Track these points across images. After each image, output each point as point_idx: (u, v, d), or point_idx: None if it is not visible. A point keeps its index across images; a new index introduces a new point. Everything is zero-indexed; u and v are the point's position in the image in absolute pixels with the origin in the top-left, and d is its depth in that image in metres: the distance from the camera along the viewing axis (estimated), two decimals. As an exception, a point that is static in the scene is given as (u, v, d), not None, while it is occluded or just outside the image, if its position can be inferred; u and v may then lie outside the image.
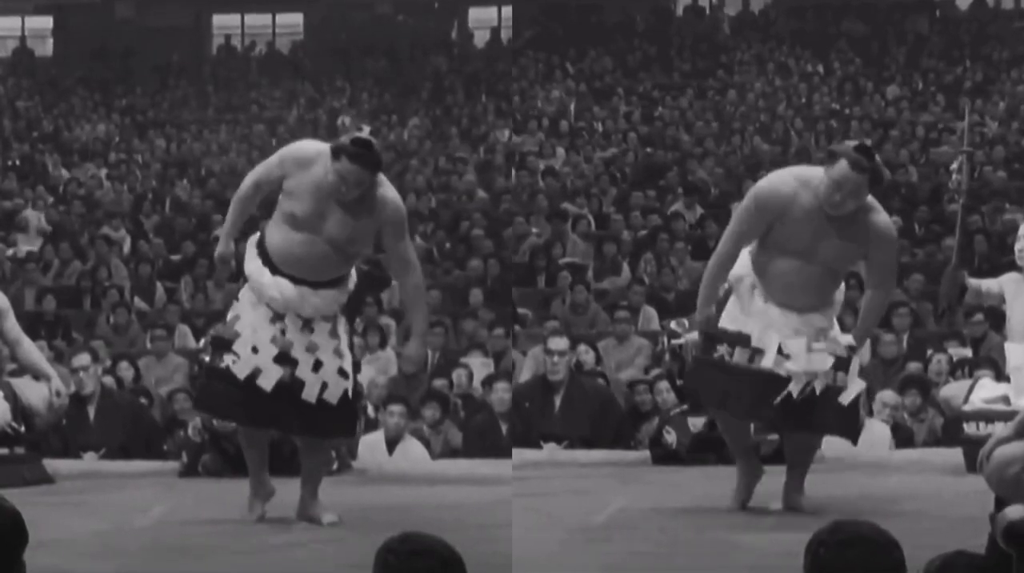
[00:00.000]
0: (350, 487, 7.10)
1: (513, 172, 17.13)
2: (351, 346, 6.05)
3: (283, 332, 5.87)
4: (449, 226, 14.98)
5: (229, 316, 5.97)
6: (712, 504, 6.36)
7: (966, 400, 7.84)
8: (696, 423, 8.05)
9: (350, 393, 5.95)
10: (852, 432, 6.59)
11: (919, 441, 8.72)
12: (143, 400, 9.38)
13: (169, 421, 9.03)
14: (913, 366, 9.92)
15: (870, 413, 8.56)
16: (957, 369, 9.39)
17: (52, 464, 7.46)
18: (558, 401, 8.76)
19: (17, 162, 18.28)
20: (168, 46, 22.15)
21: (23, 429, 7.32)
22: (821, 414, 6.03)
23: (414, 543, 3.02)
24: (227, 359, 5.85)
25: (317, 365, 5.87)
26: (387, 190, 5.87)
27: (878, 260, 6.00)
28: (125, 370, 10.32)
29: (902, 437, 8.64)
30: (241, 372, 5.82)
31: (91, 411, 8.43)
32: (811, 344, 5.98)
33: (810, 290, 5.99)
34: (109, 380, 9.48)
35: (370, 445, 8.47)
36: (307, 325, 5.90)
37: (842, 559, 2.95)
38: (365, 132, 5.90)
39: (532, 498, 6.58)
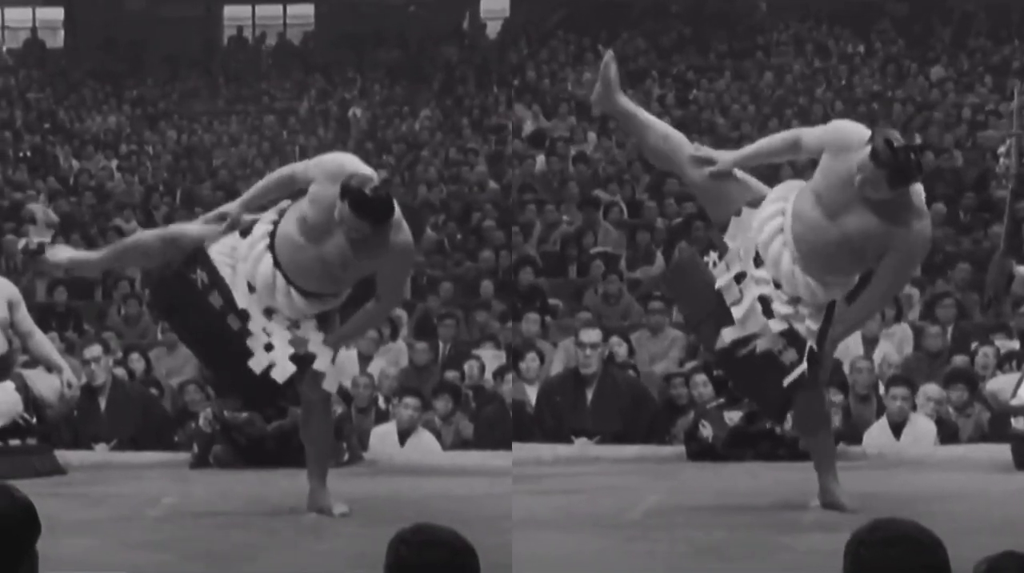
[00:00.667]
0: (362, 479, 7.10)
1: (543, 158, 16.64)
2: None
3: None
4: (460, 217, 14.96)
5: (212, 246, 5.90)
6: (750, 502, 6.17)
7: (1014, 394, 7.60)
8: (733, 417, 7.87)
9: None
10: (774, 410, 6.30)
11: (965, 437, 8.48)
12: (154, 391, 9.40)
13: (180, 412, 9.04)
14: (959, 359, 9.66)
15: (913, 407, 8.41)
16: (1004, 362, 9.21)
17: (63, 455, 7.48)
18: (590, 395, 8.59)
19: (28, 153, 18.31)
20: (179, 37, 22.16)
21: (35, 420, 7.34)
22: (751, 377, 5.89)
23: (426, 534, 3.02)
24: (201, 275, 5.83)
25: (268, 348, 5.87)
26: (398, 235, 5.70)
27: (894, 260, 5.71)
28: (136, 361, 10.34)
29: (947, 433, 8.41)
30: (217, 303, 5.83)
31: (102, 402, 8.44)
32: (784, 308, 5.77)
33: (825, 256, 5.70)
34: (120, 371, 9.49)
35: (381, 436, 8.48)
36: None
37: (884, 559, 2.85)
38: (375, 180, 5.63)
39: (562, 496, 6.41)
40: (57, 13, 23.32)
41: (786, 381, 5.77)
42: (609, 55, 6.35)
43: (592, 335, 8.67)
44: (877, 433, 8.34)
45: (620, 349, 9.71)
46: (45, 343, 7.68)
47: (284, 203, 5.96)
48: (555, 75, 19.51)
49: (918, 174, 5.61)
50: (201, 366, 8.94)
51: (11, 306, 7.43)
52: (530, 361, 9.52)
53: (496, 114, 18.77)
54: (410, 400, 8.51)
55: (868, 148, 5.51)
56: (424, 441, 8.48)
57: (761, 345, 5.78)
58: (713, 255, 5.93)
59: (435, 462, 7.95)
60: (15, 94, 20.50)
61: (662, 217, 14.16)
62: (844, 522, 5.06)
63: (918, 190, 5.69)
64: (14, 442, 7.26)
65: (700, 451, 7.89)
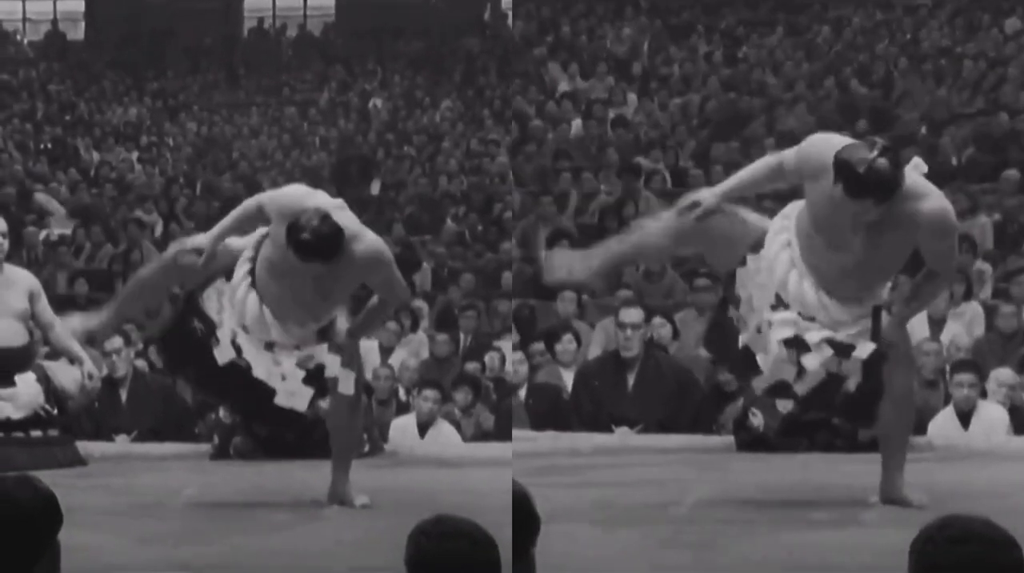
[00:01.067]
0: (382, 470, 7.12)
1: (579, 122, 15.45)
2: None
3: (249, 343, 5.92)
4: (481, 209, 14.94)
5: (205, 302, 5.96)
6: (804, 496, 5.79)
7: None
8: (786, 405, 7.19)
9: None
10: (859, 416, 5.89)
11: (1041, 425, 7.86)
12: (174, 383, 9.42)
13: (200, 404, 9.05)
14: (1034, 341, 9.03)
15: (983, 394, 7.94)
16: (1086, 344, 8.60)
17: (85, 446, 7.51)
18: (631, 380, 8.12)
19: (49, 145, 18.36)
20: (199, 29, 22.19)
21: (56, 411, 7.37)
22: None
23: (446, 526, 3.03)
24: (197, 326, 5.89)
25: (283, 378, 5.93)
26: (360, 246, 5.66)
27: (931, 249, 5.36)
28: (157, 353, 10.37)
29: (1022, 421, 7.87)
30: (222, 358, 5.87)
31: (123, 394, 8.48)
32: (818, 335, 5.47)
33: (847, 280, 5.42)
34: (141, 363, 9.51)
35: (402, 428, 8.49)
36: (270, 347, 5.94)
37: (953, 558, 2.68)
38: (319, 215, 5.57)
39: (601, 489, 6.02)
40: (78, 5, 23.36)
41: (851, 385, 5.51)
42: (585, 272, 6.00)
43: (633, 315, 8.20)
44: (943, 422, 7.88)
45: (663, 330, 9.12)
46: (66, 334, 7.71)
47: (259, 233, 5.94)
48: (592, 31, 18.15)
49: (897, 179, 5.17)
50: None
51: (32, 297, 7.47)
52: (566, 343, 9.06)
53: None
54: (429, 392, 8.52)
55: (838, 186, 5.15)
56: (444, 433, 8.49)
57: (802, 389, 5.55)
58: (734, 311, 5.66)
59: (455, 454, 7.96)
60: (36, 86, 20.55)
61: (709, 186, 13.34)
62: (909, 519, 4.66)
63: (911, 174, 5.31)
64: (36, 433, 7.29)
65: (750, 441, 7.46)
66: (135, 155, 18.20)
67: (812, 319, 5.49)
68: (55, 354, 7.80)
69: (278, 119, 19.51)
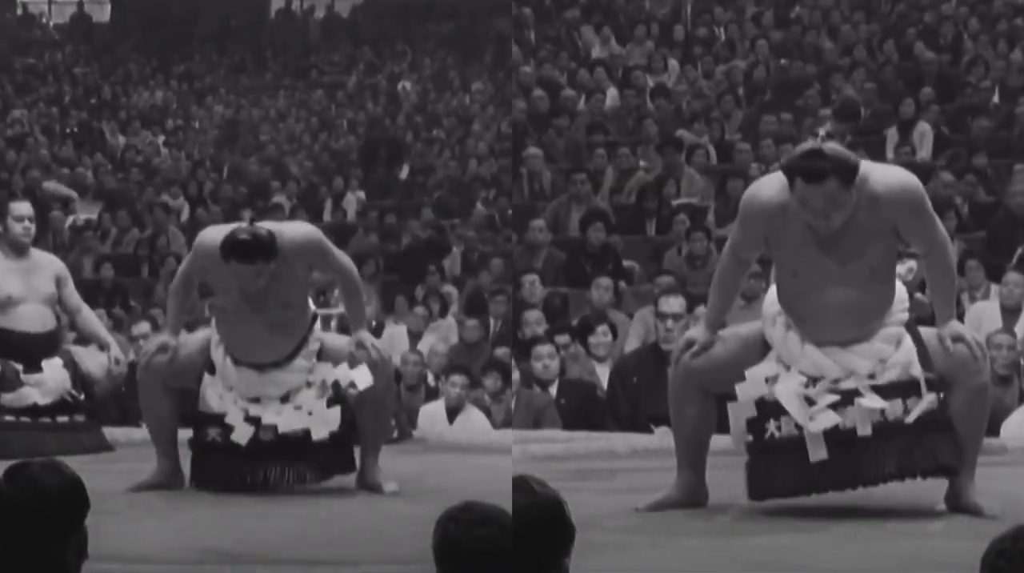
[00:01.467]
0: (410, 456, 7.12)
1: (615, 91, 14.59)
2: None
3: (264, 407, 6.00)
4: (511, 192, 14.89)
5: (205, 399, 6.05)
6: (864, 503, 5.31)
7: None
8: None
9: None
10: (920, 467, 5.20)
11: None
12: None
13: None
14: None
15: None
16: None
17: (111, 432, 7.53)
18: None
19: (75, 129, 18.45)
20: (226, 10, 22.24)
21: (82, 397, 7.41)
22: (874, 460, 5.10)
23: (475, 512, 3.03)
24: (212, 433, 6.00)
25: (308, 414, 5.97)
26: (284, 237, 5.78)
27: (908, 226, 5.04)
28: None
29: None
30: (241, 438, 5.95)
31: (150, 379, 8.50)
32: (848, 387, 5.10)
33: (849, 315, 5.08)
34: (168, 348, 9.54)
35: (430, 414, 8.51)
36: (284, 399, 6.00)
37: None
38: (246, 222, 5.86)
39: (641, 494, 5.50)
40: (104, -13, 23.44)
41: (911, 418, 5.08)
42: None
43: (674, 304, 7.82)
44: (1018, 423, 7.47)
45: None
46: (93, 319, 7.76)
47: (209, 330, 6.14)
48: None
49: (850, 156, 4.95)
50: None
51: (59, 282, 7.50)
52: (600, 335, 8.68)
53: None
54: (457, 377, 8.53)
55: (797, 183, 4.91)
56: (473, 419, 8.51)
57: (816, 454, 5.10)
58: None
59: (484, 440, 7.96)
60: (62, 69, 20.64)
61: (757, 162, 12.48)
62: (980, 529, 4.62)
63: (863, 174, 4.99)
64: (62, 419, 7.33)
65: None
66: (161, 139, 18.28)
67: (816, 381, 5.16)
68: (82, 339, 7.84)
69: (305, 102, 19.55)
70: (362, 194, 15.41)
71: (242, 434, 5.97)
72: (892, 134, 13.23)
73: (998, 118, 13.36)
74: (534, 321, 9.43)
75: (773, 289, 5.26)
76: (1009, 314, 9.03)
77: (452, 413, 8.50)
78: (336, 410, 5.96)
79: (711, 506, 5.39)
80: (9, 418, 7.21)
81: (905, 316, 5.18)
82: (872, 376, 5.10)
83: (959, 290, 9.26)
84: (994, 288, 9.59)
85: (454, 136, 17.52)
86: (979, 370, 5.15)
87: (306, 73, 20.84)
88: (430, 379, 9.26)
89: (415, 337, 10.52)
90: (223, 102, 19.82)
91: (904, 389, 5.09)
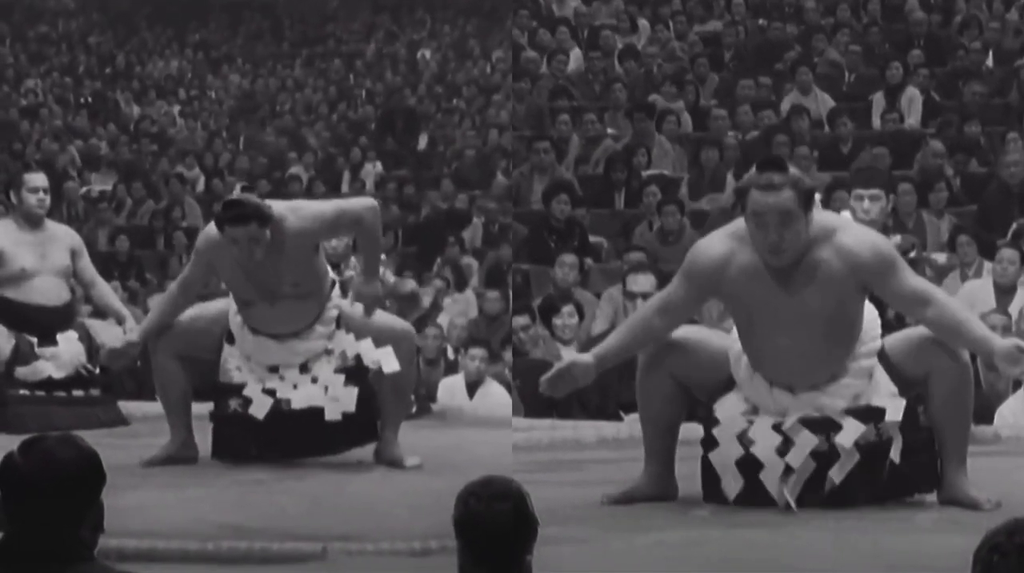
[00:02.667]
0: (429, 430, 7.14)
1: (582, 54, 13.95)
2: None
3: (283, 378, 6.03)
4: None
5: (226, 368, 6.10)
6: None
7: None
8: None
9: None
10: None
11: None
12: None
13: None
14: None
15: None
16: None
17: (127, 406, 7.56)
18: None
19: (89, 99, 18.47)
20: (242, -22, 22.21)
21: (98, 371, 7.43)
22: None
23: (496, 487, 3.05)
24: (232, 404, 6.03)
25: (325, 390, 6.00)
26: (286, 222, 5.84)
27: (890, 290, 4.92)
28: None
29: None
30: (259, 412, 5.98)
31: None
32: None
33: (808, 363, 4.95)
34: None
35: (450, 388, 8.52)
36: (304, 368, 6.03)
37: (1022, 567, 2.46)
38: (236, 191, 6.02)
39: (610, 486, 5.35)
40: (118, -46, 23.41)
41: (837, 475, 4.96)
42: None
43: (643, 282, 7.61)
44: (1012, 409, 7.21)
45: None
46: (108, 292, 7.78)
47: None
48: None
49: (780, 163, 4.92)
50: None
51: (74, 254, 7.52)
52: (566, 316, 8.37)
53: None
54: (476, 351, 8.52)
55: (751, 195, 4.83)
56: (493, 393, 8.51)
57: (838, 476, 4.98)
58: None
59: (504, 414, 7.97)
60: (76, 38, 20.65)
61: (734, 130, 11.98)
62: (972, 522, 4.57)
63: (830, 227, 4.93)
64: (77, 393, 7.36)
65: None
66: (176, 109, 18.28)
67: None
68: (97, 312, 7.87)
69: (323, 71, 19.53)
70: (380, 165, 15.41)
71: (260, 407, 5.99)
72: (878, 100, 12.59)
73: (992, 83, 12.82)
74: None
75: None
76: (1003, 293, 8.75)
77: (472, 387, 8.51)
78: (353, 390, 5.97)
79: (685, 499, 5.21)
80: (24, 392, 7.24)
81: (877, 345, 5.03)
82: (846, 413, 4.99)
83: (951, 267, 9.20)
84: (987, 265, 9.19)
85: (474, 106, 17.49)
86: (955, 352, 4.99)
87: (324, 42, 20.81)
88: (449, 352, 9.27)
89: (434, 310, 10.53)
90: (239, 71, 19.81)
91: (876, 414, 4.99)
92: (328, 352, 6.03)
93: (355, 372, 6.02)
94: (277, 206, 5.93)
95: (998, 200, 10.51)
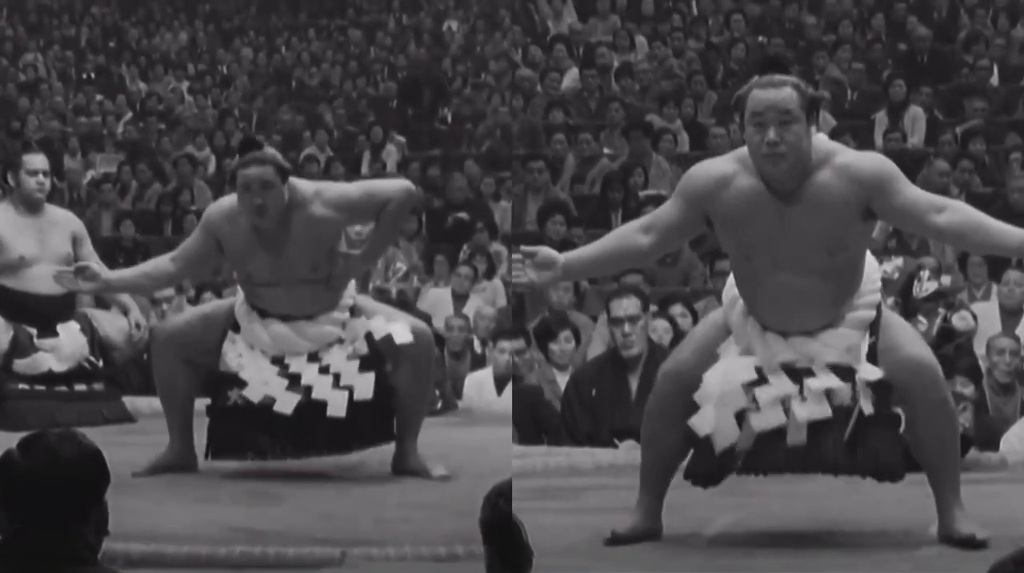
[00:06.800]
0: (456, 428, 7.16)
1: (577, 71, 14.40)
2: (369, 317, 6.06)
3: (287, 368, 5.95)
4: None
5: (225, 359, 6.02)
6: (851, 525, 5.29)
7: None
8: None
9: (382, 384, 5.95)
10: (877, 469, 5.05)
11: None
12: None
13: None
14: None
15: None
16: None
17: (132, 402, 7.59)
18: (634, 384, 7.18)
19: (92, 74, 18.53)
20: (255, -56, 22.25)
21: (101, 364, 7.46)
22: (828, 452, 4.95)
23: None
24: (232, 395, 5.94)
25: (336, 379, 5.92)
26: (309, 203, 5.88)
27: (897, 202, 4.86)
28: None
29: None
30: (255, 395, 5.90)
31: (174, 345, 8.56)
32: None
33: (805, 304, 4.92)
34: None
35: (477, 383, 8.52)
36: (312, 357, 5.97)
37: None
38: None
39: (606, 515, 5.32)
40: (123, -81, 23.48)
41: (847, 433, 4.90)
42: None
43: (628, 306, 7.35)
44: (1019, 435, 7.29)
45: (684, 322, 8.40)
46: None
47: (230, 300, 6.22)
48: None
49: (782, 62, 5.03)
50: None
51: (75, 241, 7.55)
52: (563, 342, 8.34)
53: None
54: (507, 343, 8.51)
55: (751, 93, 4.87)
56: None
57: (794, 438, 4.93)
58: None
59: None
60: (78, 9, 20.71)
61: (733, 148, 12.22)
62: (976, 555, 4.68)
63: (829, 151, 4.94)
64: (80, 387, 7.38)
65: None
66: (185, 85, 18.31)
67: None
68: (101, 302, 7.90)
69: (342, 44, 19.54)
70: (403, 140, 15.39)
71: (255, 392, 5.92)
72: (881, 118, 12.86)
73: (997, 101, 13.08)
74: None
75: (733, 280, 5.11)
76: (1009, 316, 8.97)
77: (501, 382, 8.51)
78: (369, 376, 5.90)
79: (686, 529, 5.21)
80: (23, 386, 7.27)
81: (876, 297, 5.02)
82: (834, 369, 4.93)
83: (960, 289, 9.39)
84: (994, 288, 9.49)
85: (503, 81, 17.49)
86: (935, 381, 4.96)
87: (343, 12, 20.84)
88: (476, 345, 9.28)
89: (460, 299, 10.54)
90: (252, 45, 19.83)
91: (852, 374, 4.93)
92: (340, 341, 5.97)
93: (370, 359, 5.94)
94: (301, 185, 5.94)
95: (1003, 221, 10.45)
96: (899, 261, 7.87)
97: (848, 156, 4.92)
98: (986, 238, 4.98)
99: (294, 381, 5.92)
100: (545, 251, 5.02)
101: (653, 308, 8.14)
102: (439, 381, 7.88)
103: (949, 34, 14.41)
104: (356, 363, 5.93)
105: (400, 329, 5.93)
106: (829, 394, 4.91)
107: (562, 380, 7.96)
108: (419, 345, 5.98)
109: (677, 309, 8.74)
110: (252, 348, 6.01)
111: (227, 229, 5.97)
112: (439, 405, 7.80)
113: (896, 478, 5.02)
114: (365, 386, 5.89)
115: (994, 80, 13.58)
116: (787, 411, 4.91)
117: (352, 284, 6.14)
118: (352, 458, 6.10)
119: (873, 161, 4.96)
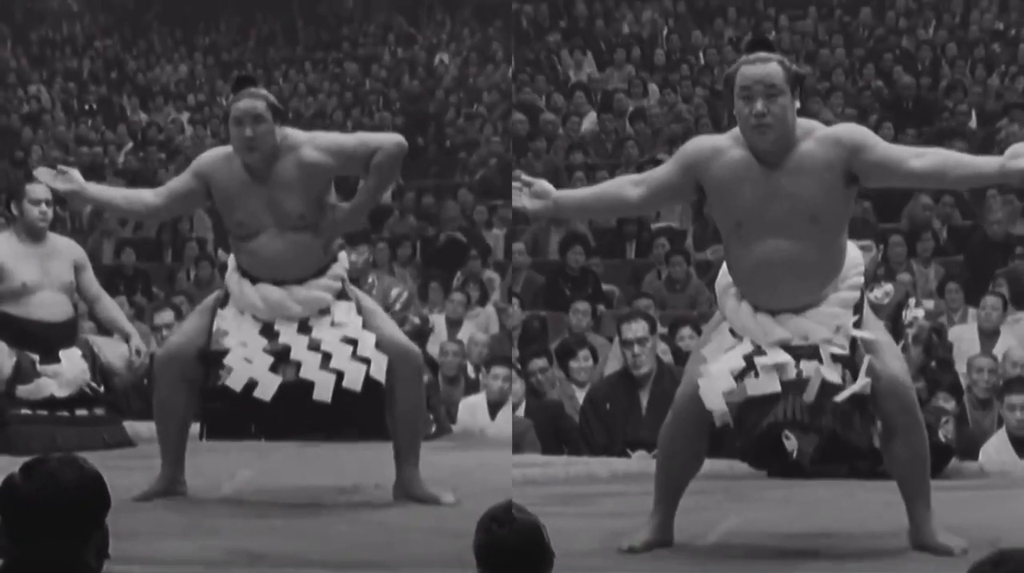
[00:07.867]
0: (450, 452, 7.15)
1: (596, 115, 15.57)
2: (377, 315, 5.98)
3: (276, 337, 5.84)
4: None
5: (214, 330, 5.92)
6: (842, 527, 5.47)
7: None
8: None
9: (379, 374, 5.82)
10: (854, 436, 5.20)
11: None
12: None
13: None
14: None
15: None
16: None
17: (133, 426, 7.58)
18: (644, 399, 7.73)
19: (94, 105, 18.54)
20: (254, -22, 22.29)
21: (102, 389, 7.46)
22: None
23: (519, 512, 3.06)
24: (223, 375, 5.82)
25: (326, 359, 5.80)
26: (302, 148, 5.84)
27: (877, 157, 5.04)
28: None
29: None
30: (236, 384, 5.79)
31: (174, 371, 8.54)
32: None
33: (795, 273, 5.04)
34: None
35: (471, 408, 8.52)
36: (303, 326, 5.86)
37: None
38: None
39: (619, 519, 5.57)
40: (124, -46, 23.51)
41: (840, 397, 5.04)
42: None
43: (637, 329, 7.81)
44: (997, 447, 7.58)
45: (693, 343, 8.38)
46: (113, 308, 7.81)
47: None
48: (609, 14, 17.82)
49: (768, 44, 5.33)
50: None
51: (77, 268, 7.55)
52: (582, 360, 8.85)
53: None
54: (500, 369, 8.52)
55: (739, 70, 5.11)
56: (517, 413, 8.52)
57: (809, 395, 5.04)
58: None
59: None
60: (81, 41, 20.73)
61: None
62: (955, 560, 4.83)
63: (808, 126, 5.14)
64: (81, 412, 7.38)
65: (783, 468, 6.91)
66: (185, 115, 18.33)
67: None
68: (102, 329, 7.89)
69: (338, 76, 19.57)
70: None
71: (237, 379, 5.79)
72: None
73: (975, 142, 13.49)
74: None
75: (726, 265, 5.27)
76: (987, 337, 9.67)
77: (495, 407, 8.50)
78: (361, 368, 5.76)
79: (693, 532, 5.34)
80: (25, 411, 7.27)
81: (860, 280, 5.18)
82: (829, 342, 5.07)
83: (939, 313, 10.19)
84: (972, 311, 10.29)
85: (496, 112, 17.51)
86: (911, 406, 5.08)
87: (339, 45, 20.87)
88: (470, 371, 9.28)
89: (454, 325, 10.54)
90: (251, 76, 19.87)
91: (847, 360, 5.08)
92: (333, 324, 5.84)
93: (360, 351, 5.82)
94: (295, 132, 5.90)
95: (982, 251, 11.69)
96: (888, 286, 8.16)
97: (827, 128, 5.15)
98: (966, 171, 5.09)
99: (282, 356, 5.81)
100: (541, 183, 5.27)
101: (662, 330, 8.62)
102: (433, 405, 7.87)
103: (932, 82, 15.53)
104: (350, 349, 5.81)
105: (378, 364, 5.81)
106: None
107: (581, 395, 8.45)
108: (409, 366, 5.90)
109: (686, 331, 9.18)
110: (242, 313, 5.90)
111: (219, 174, 5.88)
112: (433, 429, 7.79)
113: (860, 456, 5.35)
114: (355, 377, 5.78)
115: (972, 124, 14.60)
116: (784, 382, 5.04)
117: (343, 256, 6.02)
118: (349, 482, 6.10)
119: (849, 126, 5.25)
